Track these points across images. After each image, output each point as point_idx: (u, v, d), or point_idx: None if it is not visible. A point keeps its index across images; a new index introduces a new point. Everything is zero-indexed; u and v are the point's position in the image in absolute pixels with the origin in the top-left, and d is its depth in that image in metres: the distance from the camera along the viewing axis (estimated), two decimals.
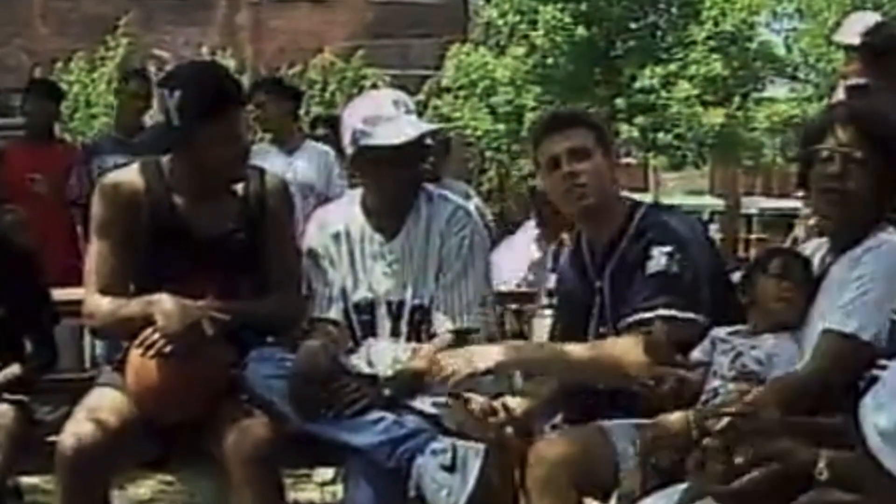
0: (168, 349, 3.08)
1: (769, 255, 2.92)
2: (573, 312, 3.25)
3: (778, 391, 2.61)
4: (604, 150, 3.14)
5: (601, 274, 3.15)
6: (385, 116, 3.36)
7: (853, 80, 5.64)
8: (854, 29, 5.82)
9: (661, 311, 2.97)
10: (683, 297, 2.97)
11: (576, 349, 3.08)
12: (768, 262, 2.86)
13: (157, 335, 3.09)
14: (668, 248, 3.00)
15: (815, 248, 2.92)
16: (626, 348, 2.96)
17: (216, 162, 3.26)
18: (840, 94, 6.18)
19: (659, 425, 2.68)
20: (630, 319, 3.01)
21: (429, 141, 3.59)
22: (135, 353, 3.15)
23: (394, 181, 3.40)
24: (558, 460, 2.87)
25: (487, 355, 3.02)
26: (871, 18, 5.95)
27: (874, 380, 2.36)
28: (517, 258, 5.72)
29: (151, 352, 3.09)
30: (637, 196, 3.44)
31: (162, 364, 3.10)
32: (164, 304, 3.12)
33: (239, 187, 3.39)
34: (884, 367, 2.35)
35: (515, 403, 3.14)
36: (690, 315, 2.96)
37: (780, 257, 2.87)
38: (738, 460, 2.21)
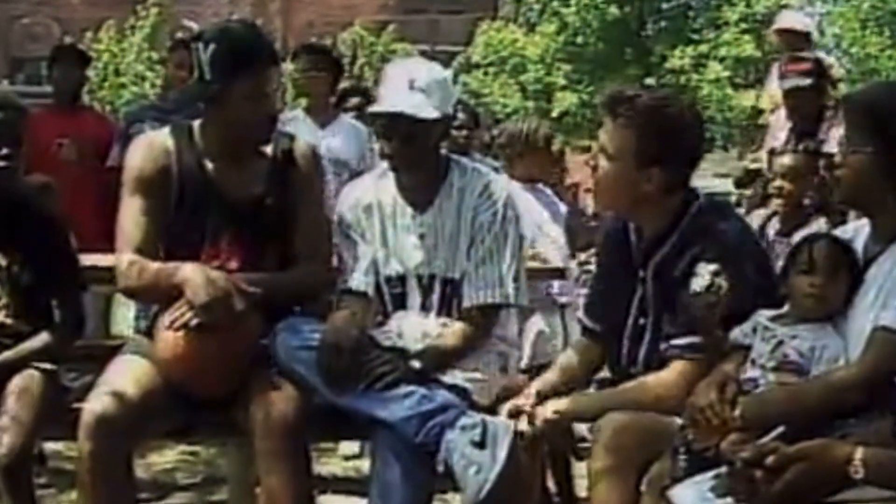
0: (196, 323, 3.06)
1: (800, 247, 2.85)
2: (615, 297, 3.19)
3: (829, 387, 2.57)
4: (639, 161, 3.01)
5: (646, 264, 3.09)
6: (389, 89, 3.40)
7: (794, 81, 5.64)
8: (800, 16, 5.98)
9: (693, 339, 2.93)
10: (719, 321, 2.91)
11: (623, 394, 3.01)
12: (798, 254, 2.81)
13: (185, 309, 3.08)
14: (713, 267, 2.93)
15: (855, 232, 2.85)
16: (663, 386, 2.92)
17: (245, 119, 3.26)
18: (773, 88, 6.21)
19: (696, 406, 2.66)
20: (669, 352, 2.97)
21: (459, 115, 3.54)
22: (163, 328, 3.14)
23: (393, 151, 3.38)
24: (624, 446, 2.83)
25: (552, 407, 3.03)
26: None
27: None
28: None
29: (179, 324, 3.08)
30: None
31: (191, 338, 3.09)
32: (191, 275, 3.10)
33: (268, 151, 3.38)
34: None
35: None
36: (718, 337, 2.92)
37: (807, 250, 2.79)
38: (770, 460, 2.18)
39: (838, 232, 2.93)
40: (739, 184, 6.58)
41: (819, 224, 4.51)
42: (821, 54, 6.78)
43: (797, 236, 3.76)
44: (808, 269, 2.75)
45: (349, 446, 5.12)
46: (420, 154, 3.38)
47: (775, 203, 4.78)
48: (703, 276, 2.93)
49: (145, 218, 3.28)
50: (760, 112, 6.98)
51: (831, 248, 2.77)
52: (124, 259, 3.27)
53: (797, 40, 6.78)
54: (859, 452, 2.16)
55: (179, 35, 6.86)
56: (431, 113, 3.32)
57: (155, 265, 3.23)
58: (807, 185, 4.75)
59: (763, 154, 5.92)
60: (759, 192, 5.58)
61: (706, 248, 2.95)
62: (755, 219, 4.83)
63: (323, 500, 4.34)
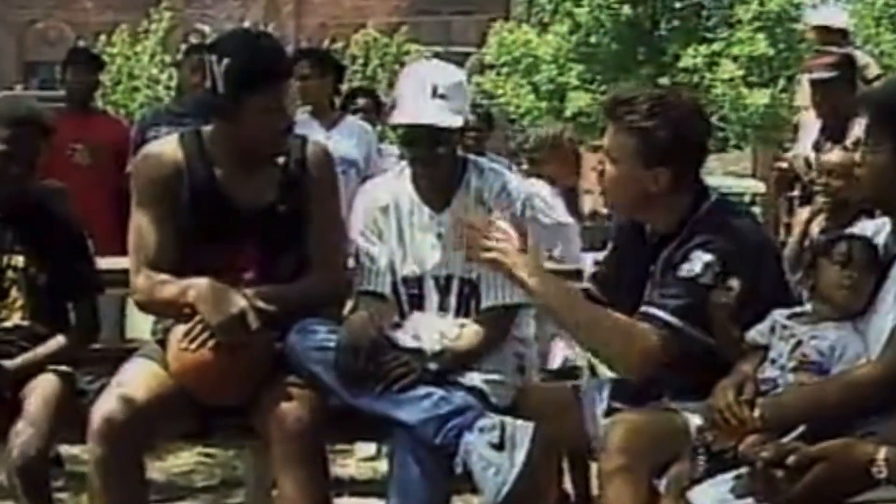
0: (211, 343, 3.05)
1: (834, 241, 2.83)
2: (626, 289, 3.17)
3: (850, 386, 2.54)
4: (644, 162, 3.00)
5: (655, 258, 3.07)
6: (408, 95, 3.38)
7: (818, 74, 5.59)
8: (836, 12, 5.93)
9: (669, 318, 2.91)
10: (700, 310, 2.90)
11: (601, 311, 3.01)
12: (832, 247, 2.78)
13: (200, 328, 3.06)
14: (708, 258, 2.91)
15: (875, 230, 2.83)
16: (643, 335, 2.90)
17: (259, 133, 3.22)
18: (805, 87, 6.15)
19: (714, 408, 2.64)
20: (642, 310, 2.95)
21: (469, 118, 3.54)
22: (177, 340, 3.12)
23: (413, 158, 3.40)
24: (636, 447, 2.81)
25: (526, 269, 2.95)
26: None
27: None
28: None
29: (195, 345, 3.07)
30: None
31: (205, 355, 3.08)
32: (204, 294, 3.08)
33: (279, 161, 3.34)
34: None
35: None
36: (696, 333, 2.90)
37: (845, 243, 2.77)
38: (791, 460, 2.17)
39: (857, 229, 2.91)
40: (780, 186, 6.49)
41: (864, 223, 4.48)
42: (858, 51, 6.71)
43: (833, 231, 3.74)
44: (845, 263, 2.72)
45: (366, 448, 5.11)
46: (443, 159, 3.38)
47: (820, 200, 4.72)
48: (695, 262, 2.92)
49: (156, 230, 3.25)
50: (793, 110, 6.88)
51: (867, 245, 2.75)
52: (139, 277, 3.26)
53: (833, 37, 6.65)
54: (882, 452, 2.14)
55: (192, 39, 6.87)
56: (455, 121, 3.32)
57: (167, 283, 3.20)
58: (853, 182, 4.70)
59: (789, 155, 5.86)
60: (800, 192, 5.54)
61: (706, 241, 2.94)
62: (802, 215, 4.79)
63: (340, 503, 4.34)
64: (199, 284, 3.12)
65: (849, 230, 2.94)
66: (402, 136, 3.43)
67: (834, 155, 4.77)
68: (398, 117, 3.42)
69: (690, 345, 2.89)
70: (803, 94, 6.44)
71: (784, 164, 5.87)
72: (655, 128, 2.98)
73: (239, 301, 3.08)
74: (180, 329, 3.12)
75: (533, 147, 5.39)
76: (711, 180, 3.16)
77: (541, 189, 5.26)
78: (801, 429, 2.44)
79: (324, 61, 6.44)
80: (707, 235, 2.95)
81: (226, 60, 3.18)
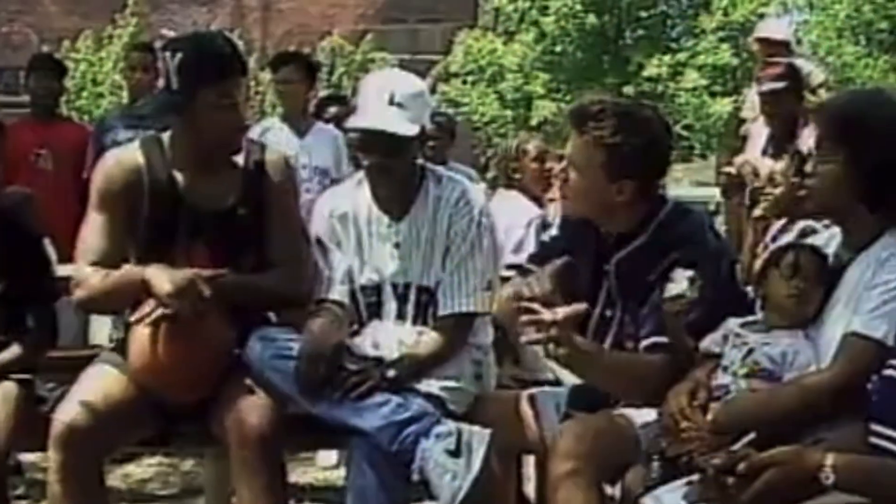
0: (167, 314, 3.04)
1: (782, 251, 2.86)
2: (580, 288, 3.18)
3: (802, 392, 2.58)
4: (609, 176, 3.03)
5: (609, 259, 3.12)
6: (366, 102, 3.42)
7: (767, 86, 5.71)
8: (778, 25, 6.05)
9: (664, 340, 2.96)
10: (695, 324, 2.94)
11: (618, 358, 3.04)
12: (781, 258, 2.81)
13: (153, 304, 3.06)
14: (690, 273, 2.97)
15: (826, 240, 2.87)
16: (652, 369, 2.94)
17: (211, 129, 3.24)
18: (753, 98, 6.26)
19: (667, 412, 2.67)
20: (646, 343, 3.00)
21: (429, 127, 3.56)
22: (137, 332, 3.13)
23: (368, 164, 3.42)
24: (583, 453, 2.83)
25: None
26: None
27: (885, 380, 2.34)
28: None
29: (150, 319, 3.06)
30: None
31: (165, 342, 3.08)
32: (154, 272, 3.09)
33: (240, 162, 3.36)
34: (893, 367, 2.32)
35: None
36: (687, 344, 2.95)
37: (793, 254, 2.80)
38: (741, 467, 2.20)
39: (810, 240, 2.95)
40: (725, 193, 6.60)
41: (817, 235, 4.53)
42: (799, 61, 6.83)
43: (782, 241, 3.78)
44: (793, 273, 2.76)
45: (327, 456, 5.12)
46: (397, 167, 3.39)
47: (762, 207, 4.78)
48: (680, 281, 2.97)
49: (106, 234, 3.26)
50: (742, 122, 7.01)
51: (815, 255, 2.78)
52: (79, 270, 3.26)
53: (775, 49, 6.83)
54: (830, 459, 2.17)
55: (156, 44, 6.87)
56: (410, 129, 3.34)
57: (112, 272, 3.20)
58: (794, 189, 4.76)
59: (738, 160, 5.94)
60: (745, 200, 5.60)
61: (684, 255, 2.98)
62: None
63: None
64: (149, 268, 3.12)
65: (789, 236, 2.98)
66: (358, 143, 3.47)
67: (777, 164, 4.84)
68: (353, 122, 3.48)
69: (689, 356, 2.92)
70: (751, 105, 6.56)
71: (732, 170, 5.95)
72: (623, 143, 3.01)
73: (189, 273, 3.08)
74: (138, 323, 3.11)
75: (499, 157, 5.57)
76: (677, 189, 3.22)
77: (513, 199, 5.36)
78: (751, 436, 2.47)
79: (303, 66, 6.49)
80: (681, 248, 3.00)
81: (179, 55, 3.22)
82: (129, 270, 3.18)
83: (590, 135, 3.04)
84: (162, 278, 3.06)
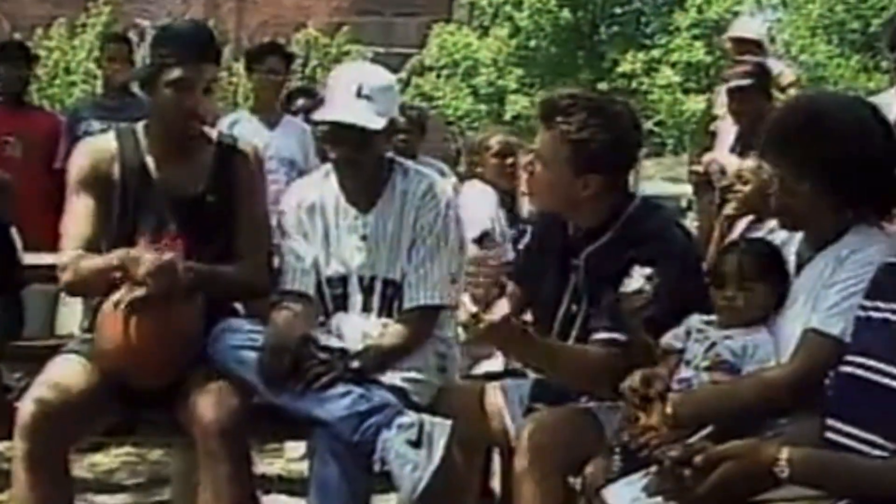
0: (142, 295, 3.06)
1: (723, 255, 2.90)
2: (547, 281, 3.23)
3: (760, 386, 2.61)
4: (575, 170, 3.05)
5: (578, 253, 3.14)
6: (334, 94, 3.44)
7: (734, 82, 5.76)
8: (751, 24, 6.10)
9: (617, 336, 2.99)
10: (645, 321, 2.98)
11: (565, 351, 3.08)
12: (723, 261, 2.85)
13: (129, 287, 3.08)
14: (647, 271, 2.99)
15: (788, 237, 2.87)
16: (601, 363, 2.97)
17: (168, 107, 3.30)
18: (722, 96, 6.32)
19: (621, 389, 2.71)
20: (597, 337, 3.02)
21: (399, 121, 3.58)
22: (106, 315, 3.14)
23: (337, 157, 3.44)
24: (547, 446, 2.87)
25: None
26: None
27: (842, 377, 2.37)
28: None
29: (126, 301, 3.07)
30: None
31: (134, 325, 3.09)
32: (135, 252, 3.13)
33: (211, 152, 3.40)
34: (849, 363, 2.36)
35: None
36: (644, 340, 2.98)
37: (720, 262, 2.84)
38: (697, 460, 2.22)
39: (772, 237, 2.97)
40: (702, 190, 6.64)
41: (770, 227, 4.56)
42: (770, 60, 6.87)
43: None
44: (721, 283, 2.80)
45: (294, 448, 5.13)
46: (364, 160, 3.41)
47: (732, 207, 4.81)
48: (636, 278, 2.99)
49: (88, 220, 3.31)
50: (713, 118, 7.04)
51: (742, 260, 2.79)
52: (66, 254, 3.28)
53: (747, 47, 6.85)
54: (785, 452, 2.19)
55: (131, 35, 6.86)
56: (377, 123, 3.35)
57: (93, 258, 3.24)
58: (762, 187, 4.78)
59: (705, 158, 5.98)
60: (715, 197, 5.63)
61: (642, 251, 3.00)
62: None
63: (268, 500, 4.35)
64: (125, 250, 3.16)
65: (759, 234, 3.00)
66: (325, 135, 3.49)
67: (745, 162, 4.86)
68: (321, 114, 3.51)
69: (639, 354, 2.94)
70: (720, 103, 6.60)
71: (699, 168, 5.99)
72: (589, 138, 3.02)
73: (168, 256, 3.12)
74: (109, 305, 3.13)
75: (466, 151, 5.59)
76: (650, 185, 3.24)
77: (479, 191, 5.38)
78: (709, 429, 2.50)
79: (284, 58, 6.53)
80: (640, 245, 3.02)
81: (152, 34, 3.35)
82: (108, 256, 3.20)
83: (557, 129, 3.05)
84: (142, 259, 3.09)
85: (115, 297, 3.11)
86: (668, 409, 2.66)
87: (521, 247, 3.53)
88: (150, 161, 3.36)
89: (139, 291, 3.06)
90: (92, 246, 3.28)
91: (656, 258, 3.00)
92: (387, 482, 3.09)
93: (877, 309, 2.33)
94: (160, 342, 3.13)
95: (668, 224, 3.18)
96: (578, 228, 3.17)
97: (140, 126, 3.41)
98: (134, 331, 3.10)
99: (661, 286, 2.97)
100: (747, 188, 4.59)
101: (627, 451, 2.71)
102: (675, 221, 3.39)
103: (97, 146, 3.42)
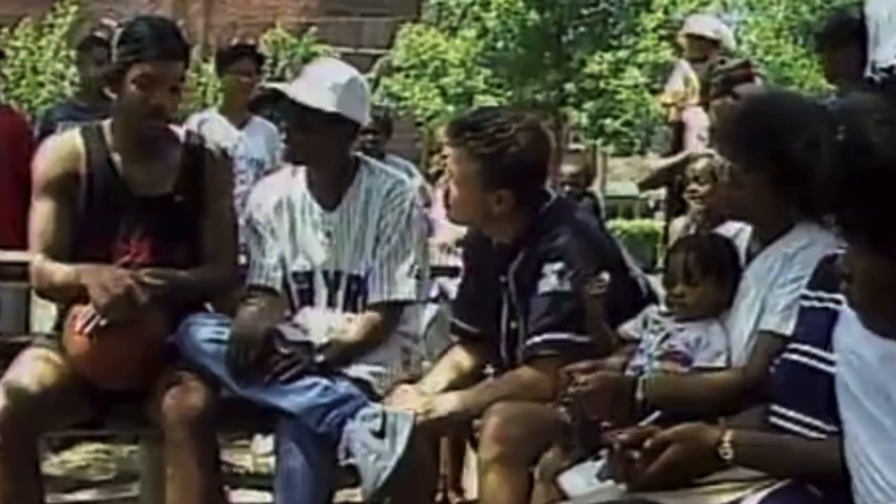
0: (104, 323, 3.09)
1: (673, 251, 2.95)
2: (486, 301, 3.32)
3: (718, 390, 2.66)
4: (485, 186, 3.14)
5: (506, 270, 3.23)
6: (302, 81, 3.51)
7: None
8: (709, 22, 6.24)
9: (547, 336, 3.08)
10: (571, 315, 3.07)
11: (501, 387, 3.16)
12: (671, 260, 2.91)
13: (91, 312, 3.10)
14: (558, 266, 3.08)
15: (738, 231, 2.91)
16: (533, 380, 3.07)
17: (131, 103, 3.30)
18: (677, 78, 6.39)
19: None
20: (525, 346, 3.12)
21: (364, 121, 3.61)
22: (72, 327, 3.16)
23: (292, 143, 3.47)
24: (511, 438, 2.92)
25: (443, 406, 3.14)
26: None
27: (787, 364, 2.45)
28: None
29: (88, 329, 3.11)
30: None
31: (99, 336, 3.12)
32: (90, 280, 3.12)
33: (178, 152, 3.43)
34: (793, 351, 2.43)
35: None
36: (575, 337, 3.07)
37: (682, 256, 2.88)
38: (646, 443, 2.29)
39: (722, 230, 3.01)
40: (643, 186, 6.68)
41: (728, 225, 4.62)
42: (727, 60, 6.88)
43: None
44: (670, 282, 2.86)
45: (264, 443, 5.16)
46: (319, 148, 3.44)
47: (694, 208, 4.85)
48: (549, 276, 3.08)
49: (54, 220, 3.32)
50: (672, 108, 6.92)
51: (689, 258, 2.85)
52: (35, 258, 3.31)
53: (703, 44, 6.69)
54: (728, 435, 2.28)
55: (99, 34, 6.86)
56: (327, 105, 3.37)
57: (59, 270, 3.25)
58: (718, 188, 4.81)
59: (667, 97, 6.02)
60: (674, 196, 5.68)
61: (549, 250, 3.10)
62: (677, 224, 4.94)
63: (236, 495, 4.40)
64: (85, 272, 3.16)
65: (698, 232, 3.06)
66: (282, 118, 3.52)
67: (701, 161, 4.91)
68: (285, 88, 3.53)
69: (577, 352, 2.99)
70: (672, 94, 6.55)
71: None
72: (496, 153, 3.12)
73: (124, 279, 3.12)
74: (76, 314, 3.16)
75: (435, 149, 5.63)
76: (618, 186, 3.33)
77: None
78: (657, 413, 2.58)
79: (259, 59, 6.55)
80: (548, 242, 3.10)
81: (120, 30, 3.33)
82: (72, 272, 3.21)
83: (465, 146, 3.16)
84: (97, 290, 3.09)
85: (79, 321, 3.12)
86: (639, 396, 2.71)
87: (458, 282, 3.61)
88: (116, 159, 3.37)
89: (101, 320, 3.09)
90: (57, 248, 3.29)
91: (562, 251, 3.08)
92: (354, 476, 3.12)
93: (819, 299, 2.39)
94: (124, 354, 3.16)
95: (572, 218, 3.24)
96: (501, 245, 3.25)
97: (106, 124, 3.42)
98: (98, 343, 3.13)
99: (576, 276, 3.05)
100: (704, 189, 4.67)
101: (583, 438, 2.77)
102: (584, 213, 3.47)
103: (63, 144, 3.42)
